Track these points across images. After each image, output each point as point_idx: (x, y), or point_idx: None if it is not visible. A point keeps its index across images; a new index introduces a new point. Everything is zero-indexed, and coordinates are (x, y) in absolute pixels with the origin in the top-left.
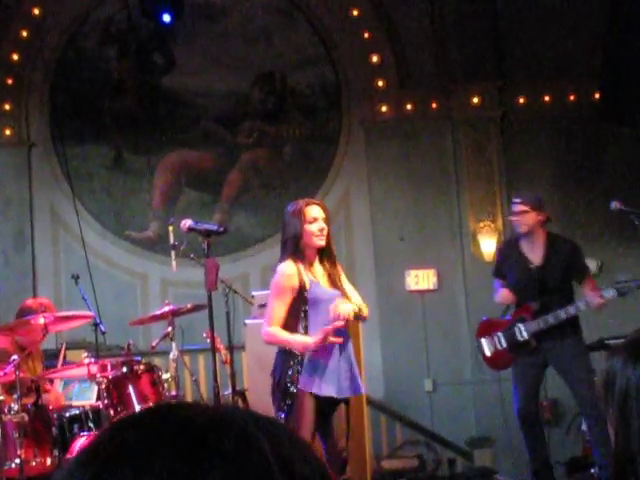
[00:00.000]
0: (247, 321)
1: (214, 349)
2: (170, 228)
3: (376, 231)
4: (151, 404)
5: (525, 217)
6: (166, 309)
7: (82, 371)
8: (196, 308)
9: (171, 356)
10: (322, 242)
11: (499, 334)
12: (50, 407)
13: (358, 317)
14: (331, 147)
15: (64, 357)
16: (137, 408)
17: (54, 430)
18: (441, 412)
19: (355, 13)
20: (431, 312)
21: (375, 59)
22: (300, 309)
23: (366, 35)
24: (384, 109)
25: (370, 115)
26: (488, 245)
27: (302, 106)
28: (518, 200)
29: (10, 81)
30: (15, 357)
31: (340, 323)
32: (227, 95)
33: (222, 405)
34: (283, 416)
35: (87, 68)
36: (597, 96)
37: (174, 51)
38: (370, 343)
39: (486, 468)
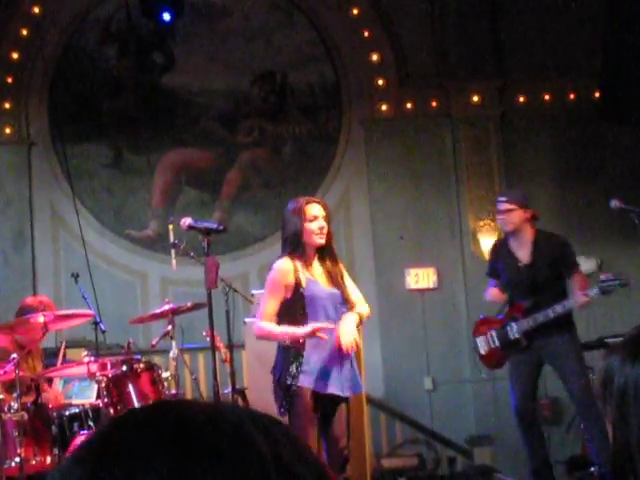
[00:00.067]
0: (247, 320)
1: (214, 348)
2: (170, 227)
3: (376, 230)
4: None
5: (511, 215)
6: (166, 308)
7: (82, 370)
8: (196, 307)
9: (171, 355)
10: (322, 240)
11: (492, 333)
12: (50, 406)
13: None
14: (331, 146)
15: (64, 356)
16: (137, 407)
17: (54, 429)
18: (441, 410)
19: (355, 12)
20: (431, 311)
21: (375, 58)
22: (298, 307)
23: (366, 34)
24: (384, 108)
25: (370, 114)
26: (488, 244)
27: (302, 105)
28: (503, 199)
29: (10, 80)
30: (15, 356)
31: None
32: (227, 94)
33: (219, 403)
34: (285, 414)
35: (87, 67)
36: (597, 95)
37: (174, 50)
38: (370, 342)
39: (486, 466)
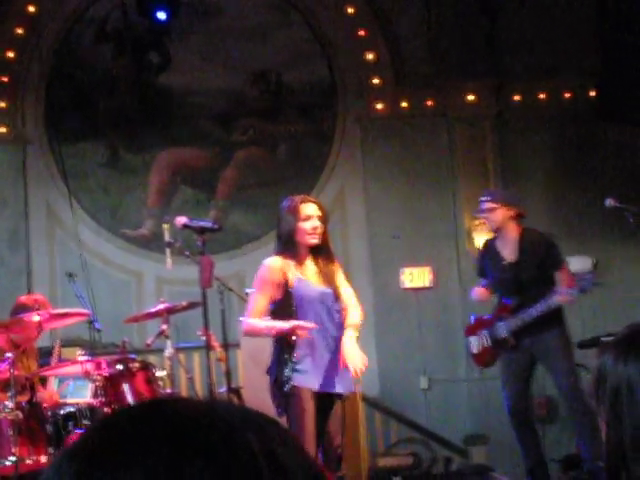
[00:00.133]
0: (242, 319)
1: (209, 347)
2: (165, 226)
3: (371, 229)
4: None
5: (493, 214)
6: (161, 307)
7: (77, 369)
8: (191, 306)
9: (166, 354)
10: (315, 240)
11: (484, 332)
12: (44, 405)
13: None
14: (326, 145)
15: (59, 355)
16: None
17: (49, 428)
18: (436, 410)
19: (350, 11)
20: (426, 310)
21: (370, 57)
22: (289, 307)
23: (361, 33)
24: (379, 107)
25: (365, 113)
26: None
27: (297, 104)
28: (485, 198)
29: (5, 79)
30: (10, 355)
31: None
32: (222, 93)
33: (213, 400)
34: (282, 415)
35: (83, 66)
36: (593, 94)
37: (170, 49)
38: (365, 341)
39: (482, 465)
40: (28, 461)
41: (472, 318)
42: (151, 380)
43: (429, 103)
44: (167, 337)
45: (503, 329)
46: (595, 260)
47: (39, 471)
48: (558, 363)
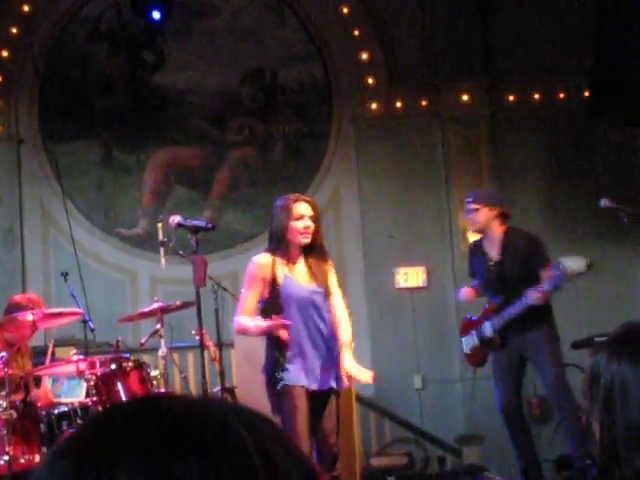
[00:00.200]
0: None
1: (202, 346)
2: (159, 225)
3: (366, 229)
4: None
5: (477, 215)
6: (155, 306)
7: (71, 368)
8: (185, 305)
9: (160, 353)
10: (306, 240)
11: (474, 332)
12: (38, 404)
13: None
14: (321, 144)
15: (53, 354)
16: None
17: (42, 427)
18: (430, 409)
19: (345, 11)
20: (420, 309)
21: (365, 57)
22: (276, 305)
23: (356, 33)
24: (374, 107)
25: (360, 112)
26: None
27: (292, 103)
28: (469, 199)
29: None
30: (4, 354)
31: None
32: (217, 92)
33: (205, 398)
34: (276, 413)
35: (77, 65)
36: (587, 94)
37: (164, 48)
38: (359, 340)
39: (475, 465)
40: (22, 460)
41: (465, 318)
42: (145, 379)
43: (423, 103)
44: (161, 336)
45: (489, 328)
46: (589, 260)
47: (33, 470)
48: (545, 361)
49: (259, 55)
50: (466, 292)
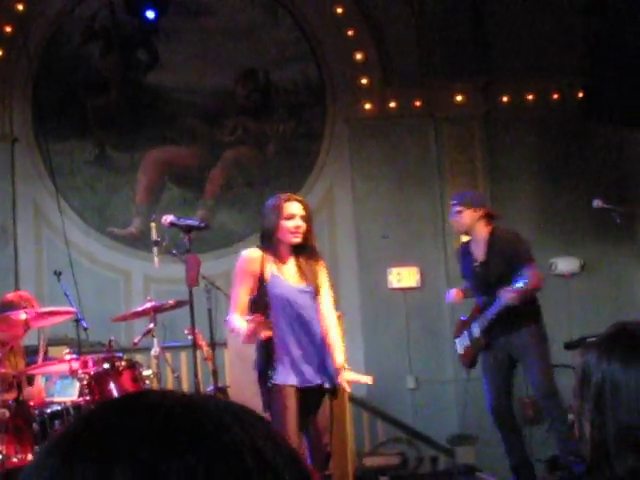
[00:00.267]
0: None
1: (195, 346)
2: (152, 224)
3: (359, 228)
4: None
5: (461, 217)
6: (148, 305)
7: (64, 367)
8: (178, 304)
9: (153, 352)
10: (297, 239)
11: (465, 332)
12: (31, 403)
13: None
14: (314, 144)
15: (45, 353)
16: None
17: (35, 426)
18: (423, 409)
19: (339, 11)
20: (414, 310)
21: (359, 57)
22: (264, 302)
23: (350, 33)
24: (368, 106)
25: (354, 112)
26: None
27: (286, 103)
28: (453, 202)
29: None
30: None
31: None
32: (211, 92)
33: (196, 393)
34: (267, 411)
35: (71, 64)
36: (581, 94)
37: (158, 48)
38: (352, 340)
39: (468, 465)
40: (14, 459)
41: (460, 319)
42: (138, 379)
43: (417, 103)
44: (154, 336)
45: (476, 329)
46: (582, 261)
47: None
48: (531, 360)
49: (253, 55)
50: (453, 294)
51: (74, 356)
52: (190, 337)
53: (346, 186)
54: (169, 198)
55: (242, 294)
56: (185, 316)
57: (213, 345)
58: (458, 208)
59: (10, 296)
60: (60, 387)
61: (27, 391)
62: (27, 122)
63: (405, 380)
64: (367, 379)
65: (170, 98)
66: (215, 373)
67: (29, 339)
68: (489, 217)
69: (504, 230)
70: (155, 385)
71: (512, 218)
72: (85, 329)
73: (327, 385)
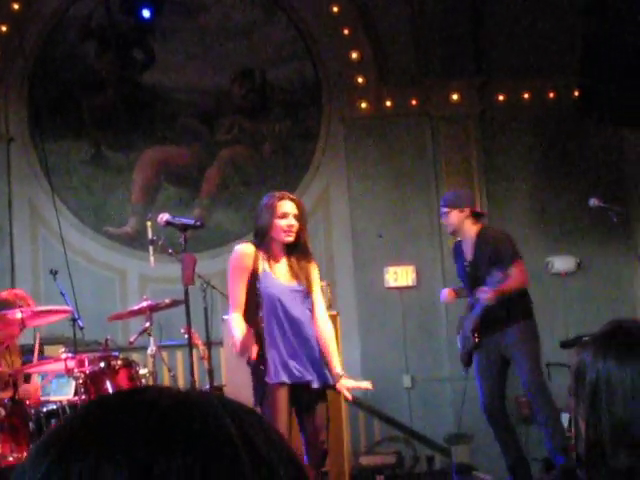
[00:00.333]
0: (225, 317)
1: (191, 344)
2: (148, 223)
3: (355, 227)
4: None
5: (448, 218)
6: (144, 304)
7: (60, 366)
8: (174, 303)
9: (149, 351)
10: (290, 238)
11: (461, 331)
12: (27, 402)
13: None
14: (310, 143)
15: (41, 352)
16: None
17: (31, 425)
18: (419, 408)
19: (335, 10)
20: (410, 309)
21: (355, 56)
22: (254, 299)
23: (346, 32)
24: (363, 105)
25: (349, 111)
26: None
27: (282, 102)
28: (441, 203)
29: None
30: None
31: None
32: (207, 91)
33: (190, 389)
34: (257, 406)
35: (66, 63)
36: (576, 93)
37: (154, 47)
38: (348, 340)
39: (464, 465)
40: (10, 458)
41: (460, 317)
42: (134, 378)
43: (413, 102)
44: (150, 335)
45: (467, 328)
46: (579, 259)
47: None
48: (519, 357)
49: (249, 54)
50: (445, 293)
51: (70, 355)
52: (186, 336)
53: (342, 185)
54: (165, 197)
55: (240, 291)
56: (181, 315)
57: (209, 344)
58: (445, 209)
59: (5, 294)
60: (56, 386)
61: (24, 388)
62: (23, 122)
63: (401, 379)
64: (367, 385)
65: (166, 97)
66: (211, 372)
67: (25, 338)
68: (476, 216)
69: (491, 229)
70: (151, 384)
71: (508, 217)
72: (81, 328)
73: (316, 385)
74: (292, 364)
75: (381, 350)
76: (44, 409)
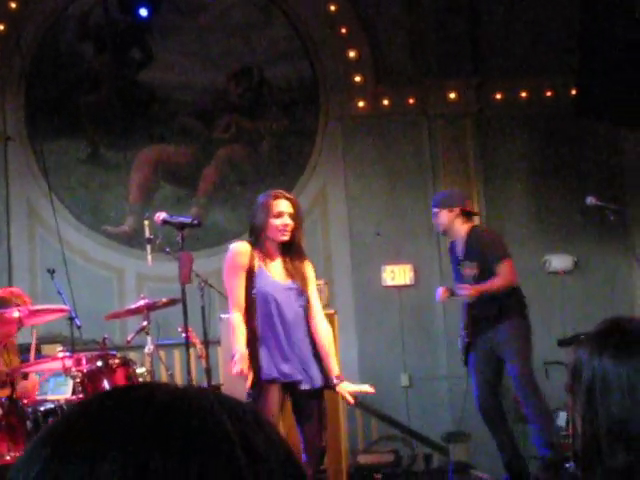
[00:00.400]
0: (223, 316)
1: (188, 343)
2: (145, 222)
3: (352, 226)
4: None
5: (438, 218)
6: (141, 303)
7: (57, 365)
8: (171, 302)
9: (146, 350)
10: (285, 237)
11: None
12: (25, 401)
13: None
14: (308, 142)
15: (38, 351)
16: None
17: (29, 424)
18: (417, 407)
19: (332, 9)
20: (407, 307)
21: (352, 55)
22: (250, 296)
23: (343, 31)
24: (361, 104)
25: (347, 110)
26: None
27: (279, 101)
28: (431, 203)
29: None
30: None
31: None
32: (204, 90)
33: (187, 386)
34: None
35: (64, 62)
36: (574, 92)
37: (151, 46)
38: (346, 338)
39: (462, 463)
40: (7, 457)
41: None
42: (131, 376)
43: (410, 101)
44: (147, 334)
45: (461, 326)
46: (576, 258)
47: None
48: (507, 352)
49: (246, 53)
50: (440, 292)
51: (67, 354)
52: (183, 335)
53: (339, 184)
54: (162, 196)
55: (238, 289)
56: (178, 314)
57: (206, 343)
58: (435, 209)
59: (0, 292)
60: (53, 385)
61: (22, 385)
62: (20, 121)
63: (399, 378)
64: (367, 388)
65: (164, 96)
66: (208, 371)
67: (23, 337)
68: (466, 215)
69: (481, 228)
70: None
71: (505, 216)
72: (78, 327)
73: (305, 386)
74: (283, 363)
75: (378, 349)
76: (41, 408)
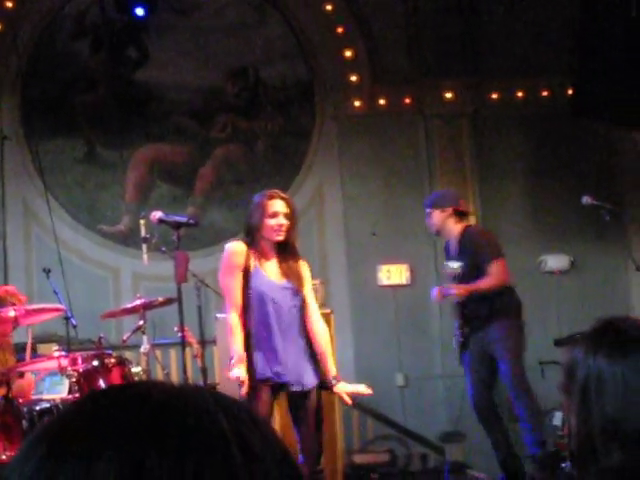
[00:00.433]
0: (219, 315)
1: (184, 343)
2: (141, 221)
3: (348, 226)
4: None
5: (430, 219)
6: (137, 303)
7: (53, 364)
8: (167, 302)
9: (142, 350)
10: (280, 237)
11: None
12: (20, 400)
13: None
14: (304, 142)
15: (34, 350)
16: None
17: (24, 423)
18: (413, 407)
19: (328, 8)
20: (403, 307)
21: (348, 54)
22: (245, 296)
23: (339, 30)
24: (357, 104)
25: (343, 110)
26: None
27: (275, 101)
28: (424, 204)
29: None
30: None
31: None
32: (200, 89)
33: (182, 384)
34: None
35: (60, 61)
36: (570, 92)
37: (147, 45)
38: (342, 338)
39: (458, 463)
40: (3, 457)
41: None
42: (127, 376)
43: (406, 100)
44: (144, 333)
45: (456, 326)
46: (572, 258)
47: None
48: (498, 352)
49: (242, 52)
50: (435, 292)
51: (63, 353)
52: (180, 334)
53: (335, 183)
54: (158, 196)
55: (235, 288)
56: (174, 313)
57: (202, 342)
58: (427, 210)
59: None
60: (49, 384)
61: (17, 385)
62: (16, 120)
63: (394, 377)
64: (364, 389)
65: (160, 96)
66: (204, 370)
67: (19, 336)
68: (459, 215)
69: (473, 227)
70: None
71: (501, 215)
72: (74, 326)
73: (296, 388)
74: (276, 363)
75: (374, 348)
76: (37, 407)
